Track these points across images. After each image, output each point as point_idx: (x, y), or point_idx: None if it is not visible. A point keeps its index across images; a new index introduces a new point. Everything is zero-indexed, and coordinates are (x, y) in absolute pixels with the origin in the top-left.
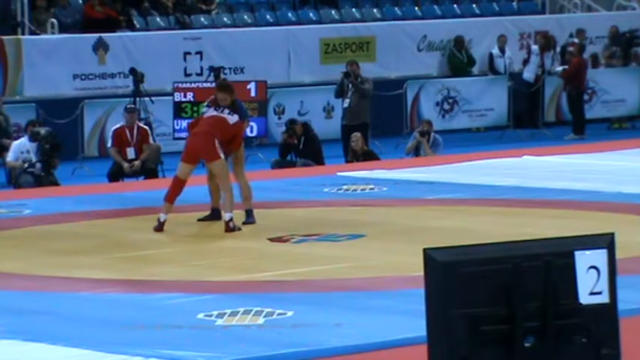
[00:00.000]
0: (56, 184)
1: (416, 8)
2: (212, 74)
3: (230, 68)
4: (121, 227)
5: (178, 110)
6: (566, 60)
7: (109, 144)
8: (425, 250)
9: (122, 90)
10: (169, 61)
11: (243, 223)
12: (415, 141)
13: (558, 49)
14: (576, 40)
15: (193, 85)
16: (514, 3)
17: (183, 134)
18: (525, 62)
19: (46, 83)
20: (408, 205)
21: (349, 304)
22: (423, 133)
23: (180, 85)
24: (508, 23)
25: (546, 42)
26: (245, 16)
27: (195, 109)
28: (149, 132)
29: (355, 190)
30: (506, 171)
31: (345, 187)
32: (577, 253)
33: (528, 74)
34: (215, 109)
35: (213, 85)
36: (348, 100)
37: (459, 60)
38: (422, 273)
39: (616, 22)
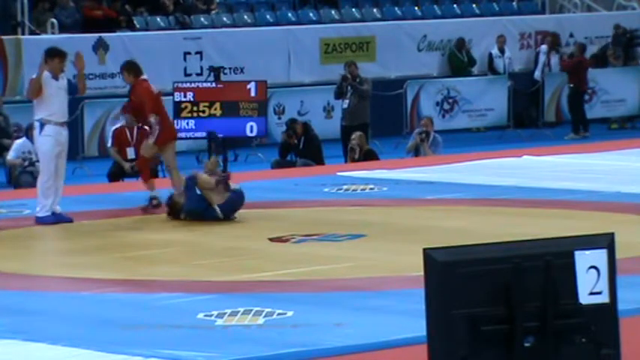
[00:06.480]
0: None
1: (416, 8)
2: (212, 74)
3: (230, 68)
4: (121, 227)
5: (178, 110)
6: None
7: (109, 144)
8: (425, 250)
9: (122, 90)
10: (169, 61)
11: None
12: (415, 141)
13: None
14: (578, 41)
15: (193, 85)
16: (514, 3)
17: (184, 134)
18: (536, 61)
19: None
20: (408, 205)
21: (349, 304)
22: (423, 133)
23: (180, 85)
24: (508, 23)
25: (554, 41)
26: (245, 16)
27: (195, 108)
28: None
29: (355, 190)
30: (506, 171)
31: (345, 187)
32: (577, 253)
33: (539, 73)
34: None
35: (214, 85)
36: (347, 101)
37: (459, 60)
38: (422, 273)
39: (616, 22)
